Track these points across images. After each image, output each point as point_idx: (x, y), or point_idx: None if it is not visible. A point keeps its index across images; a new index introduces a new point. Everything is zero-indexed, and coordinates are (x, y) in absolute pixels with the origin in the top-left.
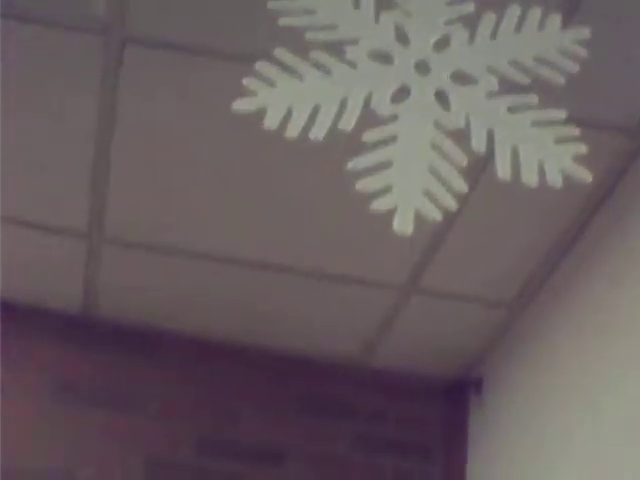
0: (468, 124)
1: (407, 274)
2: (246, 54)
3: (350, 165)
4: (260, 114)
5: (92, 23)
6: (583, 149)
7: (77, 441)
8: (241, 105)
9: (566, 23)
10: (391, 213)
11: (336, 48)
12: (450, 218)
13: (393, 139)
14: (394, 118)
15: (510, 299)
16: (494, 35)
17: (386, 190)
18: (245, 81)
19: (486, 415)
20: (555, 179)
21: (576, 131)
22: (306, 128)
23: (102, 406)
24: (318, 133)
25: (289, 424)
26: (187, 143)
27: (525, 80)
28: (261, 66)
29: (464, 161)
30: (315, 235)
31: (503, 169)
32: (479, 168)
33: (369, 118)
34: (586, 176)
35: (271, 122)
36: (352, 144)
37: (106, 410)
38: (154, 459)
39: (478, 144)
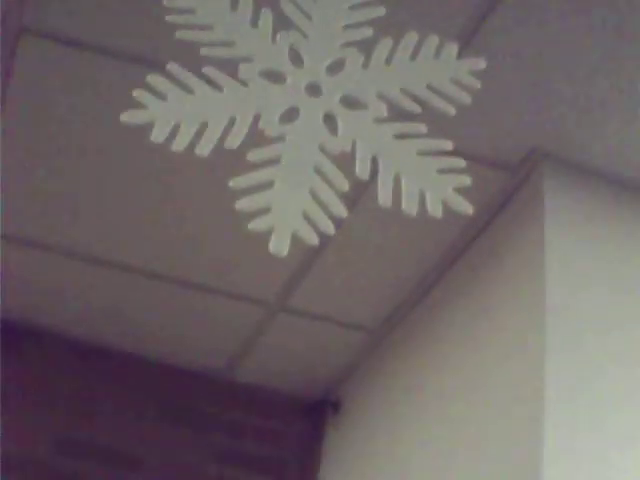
0: (354, 149)
1: (276, 292)
2: (142, 58)
3: (232, 183)
4: (149, 126)
5: None
6: (467, 181)
7: None
8: (130, 117)
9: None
10: (268, 232)
11: (231, 65)
12: (325, 240)
13: (277, 160)
14: (281, 139)
15: (375, 324)
16: (389, 61)
17: (265, 211)
18: (135, 93)
19: (342, 435)
20: (435, 209)
21: (461, 162)
22: (192, 143)
23: None
24: (204, 149)
25: (147, 431)
26: (75, 142)
27: (416, 108)
28: (152, 79)
29: (345, 186)
30: (190, 245)
31: (384, 196)
32: (358, 192)
33: (257, 137)
34: (467, 208)
35: (158, 135)
36: (239, 162)
37: None
38: (9, 455)
39: (362, 170)
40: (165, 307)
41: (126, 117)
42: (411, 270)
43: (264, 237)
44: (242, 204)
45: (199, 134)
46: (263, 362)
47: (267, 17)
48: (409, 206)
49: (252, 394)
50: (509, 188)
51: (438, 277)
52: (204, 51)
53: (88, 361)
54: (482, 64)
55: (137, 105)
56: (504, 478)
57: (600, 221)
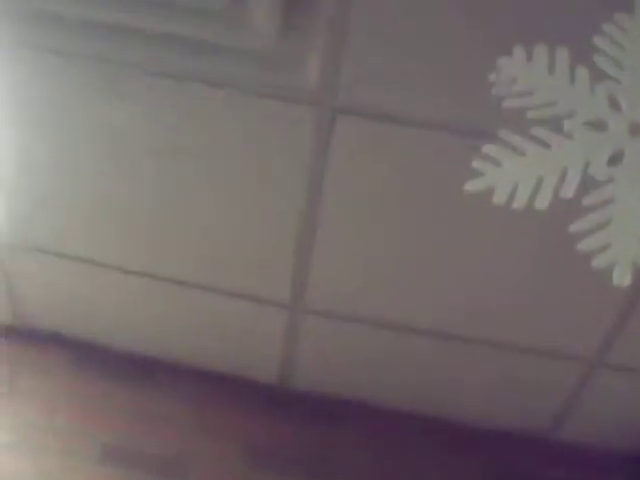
0: None
1: (595, 347)
2: (460, 128)
3: (572, 228)
4: (488, 191)
5: (304, 94)
6: None
7: None
8: (472, 185)
9: None
10: (610, 267)
11: (554, 122)
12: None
13: (611, 200)
14: (611, 180)
15: None
16: None
17: (605, 247)
18: (475, 163)
19: None
20: None
21: None
22: (531, 199)
23: (292, 475)
24: (542, 203)
25: None
26: (395, 216)
27: None
28: (488, 149)
29: None
30: (503, 306)
31: None
32: None
33: (586, 182)
34: None
35: (499, 198)
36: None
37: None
38: None
39: None
40: (484, 371)
41: (469, 186)
42: None
43: (577, 294)
44: (584, 245)
45: (535, 190)
46: (587, 419)
47: (583, 73)
48: None
49: (576, 452)
50: None
51: None
52: (530, 114)
53: (412, 431)
54: None
55: (472, 173)
56: None
57: None
